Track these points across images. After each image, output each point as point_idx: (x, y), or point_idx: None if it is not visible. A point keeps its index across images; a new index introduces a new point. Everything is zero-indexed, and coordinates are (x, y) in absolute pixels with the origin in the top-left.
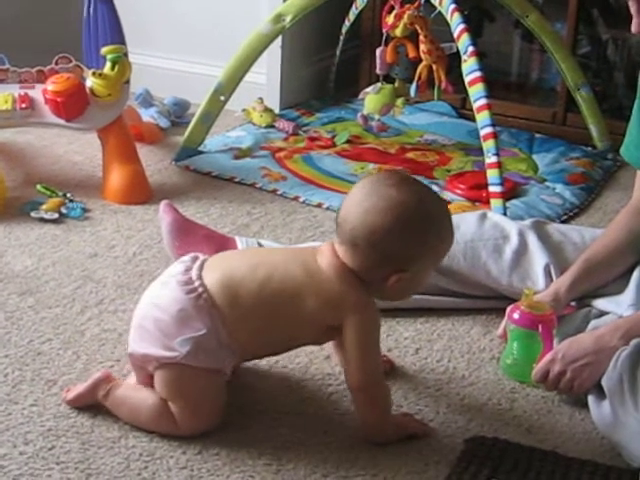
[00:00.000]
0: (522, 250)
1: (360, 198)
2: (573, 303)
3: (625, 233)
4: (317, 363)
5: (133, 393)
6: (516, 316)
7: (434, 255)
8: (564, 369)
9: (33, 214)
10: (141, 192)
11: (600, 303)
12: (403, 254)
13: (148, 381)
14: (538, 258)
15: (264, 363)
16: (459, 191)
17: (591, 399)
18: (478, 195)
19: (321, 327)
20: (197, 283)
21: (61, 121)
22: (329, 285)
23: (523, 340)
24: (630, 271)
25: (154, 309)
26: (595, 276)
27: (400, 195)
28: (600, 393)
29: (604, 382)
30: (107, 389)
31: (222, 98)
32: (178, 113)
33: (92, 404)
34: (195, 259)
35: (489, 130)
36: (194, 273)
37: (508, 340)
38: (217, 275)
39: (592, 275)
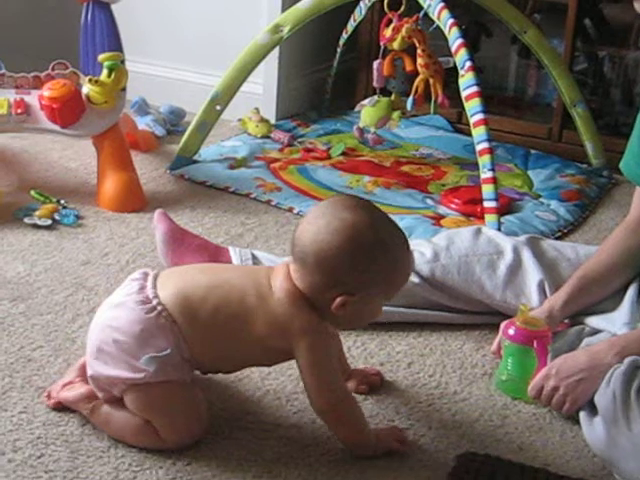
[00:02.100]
0: (516, 266)
1: (315, 217)
2: (566, 320)
3: (620, 250)
4: None
5: (115, 412)
6: (511, 332)
7: (385, 284)
8: (558, 385)
9: (26, 220)
10: (135, 200)
11: (594, 321)
12: (350, 277)
13: (112, 401)
14: (532, 274)
15: (256, 375)
16: (454, 205)
17: (583, 416)
18: (473, 210)
19: (270, 349)
20: (155, 302)
21: (56, 127)
22: (277, 308)
23: (518, 356)
24: (624, 289)
25: (113, 331)
26: (590, 293)
27: (354, 217)
28: (592, 410)
29: (597, 399)
30: (91, 407)
31: (218, 108)
32: (174, 122)
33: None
34: (146, 275)
35: (485, 145)
36: (150, 291)
37: (503, 356)
38: (172, 292)
39: (587, 292)
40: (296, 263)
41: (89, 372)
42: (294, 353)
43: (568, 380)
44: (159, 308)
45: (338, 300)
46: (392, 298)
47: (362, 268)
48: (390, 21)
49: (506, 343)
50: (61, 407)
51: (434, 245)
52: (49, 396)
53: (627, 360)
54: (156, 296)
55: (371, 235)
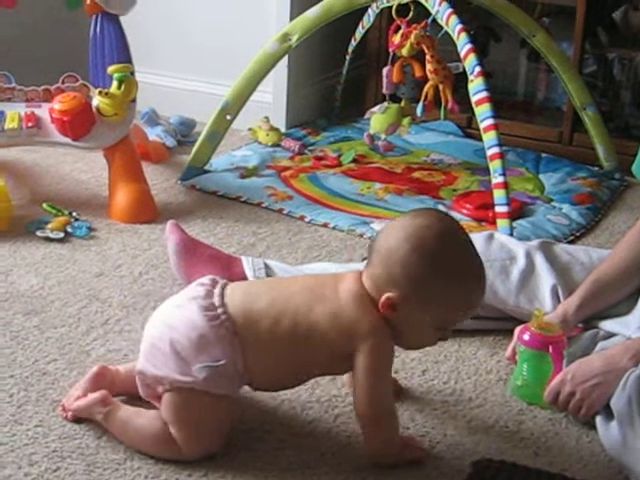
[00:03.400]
0: (529, 271)
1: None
2: (580, 324)
3: (633, 253)
4: (323, 385)
5: (134, 418)
6: (526, 337)
7: (438, 305)
8: (574, 390)
9: (39, 233)
10: (147, 211)
11: (608, 324)
12: (403, 277)
13: (153, 399)
14: (545, 279)
15: None
16: (465, 211)
17: (599, 421)
18: (484, 215)
19: (337, 356)
20: (220, 310)
21: (67, 140)
22: (344, 311)
23: (533, 361)
24: (638, 292)
25: (171, 331)
26: (603, 297)
27: (427, 223)
28: (608, 415)
29: (613, 404)
30: (105, 412)
31: (228, 117)
32: (184, 132)
33: (96, 424)
34: (215, 283)
35: (496, 150)
36: (217, 299)
37: (518, 361)
38: (239, 304)
39: (600, 296)
40: (367, 261)
41: (138, 367)
42: (356, 355)
43: (584, 385)
44: (223, 317)
45: (385, 296)
46: (447, 333)
47: (416, 273)
48: (399, 27)
49: (521, 349)
50: (77, 420)
51: None
52: (64, 409)
53: None
54: (222, 305)
55: (436, 245)
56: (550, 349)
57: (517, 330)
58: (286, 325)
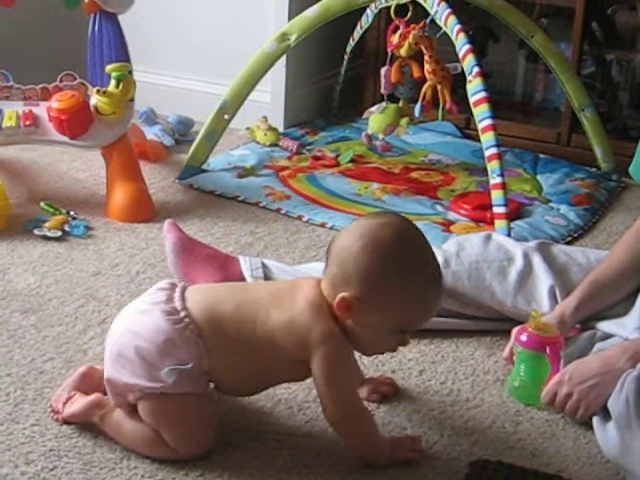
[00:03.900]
0: (527, 272)
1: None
2: (578, 325)
3: (631, 254)
4: None
5: (126, 421)
6: (523, 338)
7: (395, 308)
8: (571, 391)
9: (36, 231)
10: (145, 210)
11: (605, 325)
12: (356, 277)
13: (125, 407)
14: (543, 280)
15: None
16: (463, 211)
17: (596, 422)
18: (482, 216)
19: (295, 363)
20: (183, 314)
21: (65, 138)
22: (299, 317)
23: (531, 362)
24: (635, 293)
25: (135, 338)
26: (601, 298)
27: (382, 223)
28: (606, 416)
29: (610, 405)
30: (101, 414)
31: (226, 116)
32: (182, 131)
33: (92, 423)
34: (174, 286)
35: (494, 151)
36: (178, 303)
37: (515, 362)
38: (202, 306)
39: (598, 297)
40: (325, 264)
41: (106, 375)
42: (311, 363)
43: (581, 386)
44: (187, 320)
45: (339, 296)
46: (406, 338)
47: (370, 271)
48: (397, 28)
49: (518, 349)
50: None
51: (444, 252)
52: (55, 411)
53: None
54: (184, 308)
55: (392, 244)
56: (547, 350)
57: (514, 331)
58: (248, 330)
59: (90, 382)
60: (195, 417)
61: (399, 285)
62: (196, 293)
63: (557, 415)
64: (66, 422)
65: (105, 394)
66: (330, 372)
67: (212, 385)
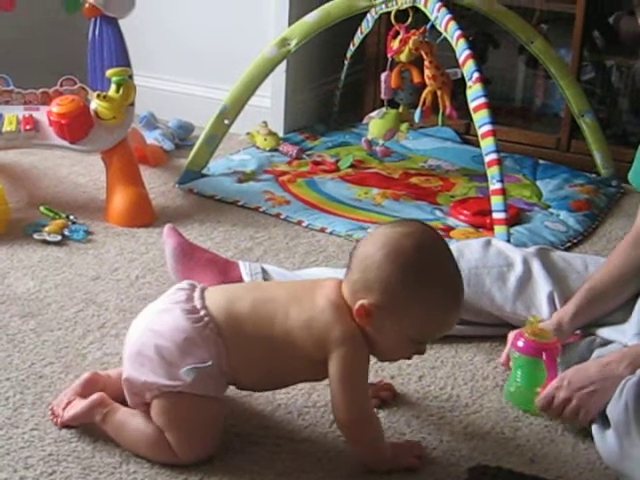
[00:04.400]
0: (526, 278)
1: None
2: (578, 331)
3: (628, 261)
4: (319, 390)
5: (129, 420)
6: (520, 344)
7: (412, 317)
8: (570, 396)
9: (36, 236)
10: (144, 215)
11: (604, 332)
12: (377, 283)
13: (141, 407)
14: (542, 286)
15: None
16: (463, 217)
17: (595, 428)
18: (482, 221)
19: (313, 363)
20: (203, 312)
21: (65, 143)
22: (319, 318)
23: (527, 368)
24: (634, 299)
25: (155, 336)
26: (598, 305)
27: (406, 232)
28: (604, 422)
29: (609, 411)
30: (104, 413)
31: (226, 121)
32: (182, 136)
33: (91, 427)
34: (194, 287)
35: (494, 156)
36: (197, 302)
37: (512, 368)
38: (220, 305)
39: (595, 304)
40: (347, 267)
41: (124, 375)
42: (329, 363)
43: (580, 392)
44: (206, 319)
45: (359, 303)
46: (423, 347)
47: (391, 280)
48: (397, 33)
49: (515, 355)
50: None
51: None
52: (54, 414)
53: (639, 371)
54: (204, 307)
55: (413, 254)
56: (544, 356)
57: (511, 335)
58: (266, 329)
59: (93, 388)
60: (206, 421)
61: (418, 296)
62: (215, 293)
63: (556, 421)
64: (65, 426)
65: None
66: (347, 373)
67: (231, 387)
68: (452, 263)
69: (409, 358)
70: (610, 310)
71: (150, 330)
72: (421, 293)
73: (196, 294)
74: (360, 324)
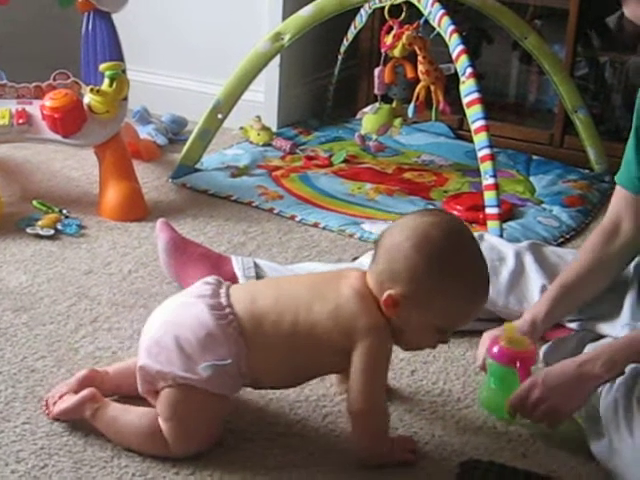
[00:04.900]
0: (519, 272)
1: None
2: (573, 325)
3: (598, 256)
4: (312, 384)
5: (122, 415)
6: (495, 351)
7: (439, 307)
8: (544, 395)
9: (29, 230)
10: (137, 209)
11: (596, 326)
12: (405, 274)
13: (150, 395)
14: (535, 279)
15: None
16: (456, 212)
17: (586, 425)
18: (475, 216)
19: (338, 353)
20: (228, 310)
21: (58, 137)
22: (345, 308)
23: (501, 376)
24: (623, 293)
25: (176, 328)
26: (570, 301)
27: (433, 222)
28: (595, 419)
29: (600, 407)
30: (94, 408)
31: (220, 116)
32: (175, 130)
33: (83, 421)
34: (220, 283)
35: (487, 152)
36: (224, 299)
37: (487, 373)
38: (244, 304)
39: (568, 300)
40: (372, 257)
41: (139, 363)
42: (353, 352)
43: (555, 391)
44: (231, 317)
45: (387, 293)
46: (447, 336)
47: (418, 270)
48: (391, 28)
49: (489, 361)
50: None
51: None
52: (47, 406)
53: (629, 368)
54: (229, 305)
55: (440, 243)
56: (517, 364)
57: (485, 336)
58: (288, 323)
59: (91, 384)
60: (210, 418)
61: (445, 285)
62: (239, 290)
63: (526, 428)
64: (57, 419)
65: (103, 395)
66: (370, 364)
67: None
68: (478, 253)
69: (434, 347)
70: (583, 304)
71: (171, 322)
72: (448, 283)
73: (222, 290)
74: (387, 314)
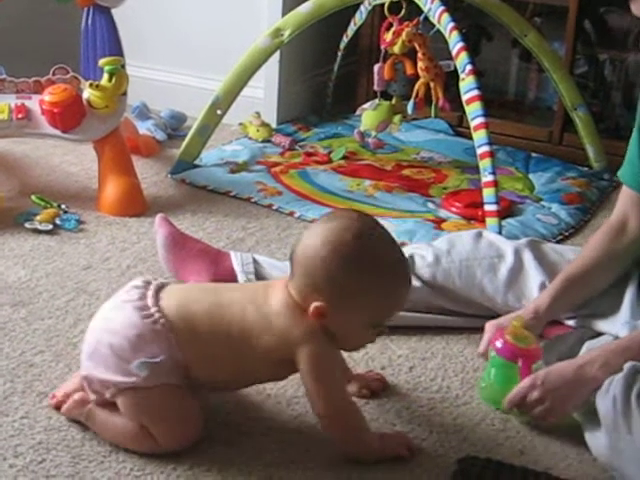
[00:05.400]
0: (518, 268)
1: (312, 227)
2: (571, 322)
3: (603, 252)
4: None
5: (109, 418)
6: (499, 344)
7: (365, 306)
8: (544, 396)
9: (27, 225)
10: (136, 205)
11: (595, 324)
12: (325, 283)
13: (104, 404)
14: (534, 276)
15: None
16: (455, 209)
17: (584, 422)
18: (474, 213)
19: (278, 363)
20: (154, 309)
21: (57, 132)
22: (277, 320)
23: (501, 369)
24: (623, 290)
25: (109, 334)
26: (574, 294)
27: (342, 226)
28: (593, 416)
29: (597, 405)
30: (85, 413)
31: (219, 112)
32: (174, 126)
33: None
34: (148, 284)
35: (486, 149)
36: (150, 300)
37: (488, 364)
38: (174, 304)
39: (571, 294)
40: (290, 272)
41: (83, 372)
42: (297, 362)
43: (554, 393)
44: (157, 315)
45: (312, 306)
46: (383, 328)
47: (338, 277)
48: (390, 25)
49: (492, 353)
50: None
51: (435, 249)
52: (54, 395)
53: (627, 365)
54: (156, 304)
55: (355, 246)
56: (520, 362)
57: (489, 326)
58: (222, 331)
59: None
60: (176, 408)
61: (369, 284)
62: (171, 293)
63: (521, 419)
64: (57, 407)
65: None
66: (316, 369)
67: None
68: (392, 241)
69: (372, 342)
70: (586, 299)
71: (103, 329)
72: (370, 280)
73: (150, 292)
74: (317, 324)
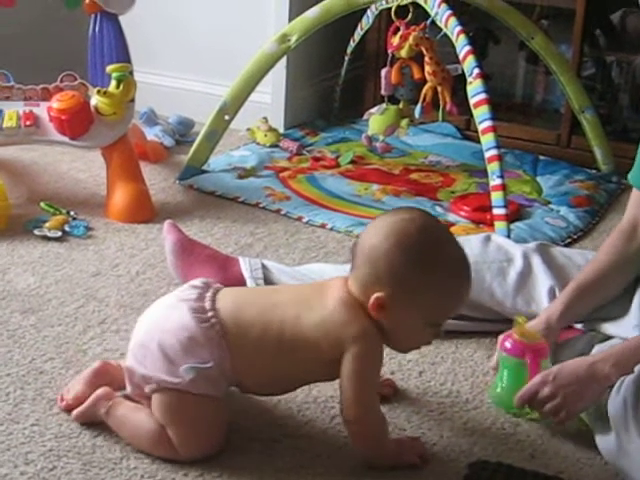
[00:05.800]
0: (526, 272)
1: (375, 221)
2: (580, 326)
3: (616, 257)
4: (320, 385)
5: (132, 415)
6: (507, 344)
7: (425, 302)
8: (555, 392)
9: (36, 232)
10: (145, 211)
11: (605, 327)
12: (388, 275)
13: (141, 399)
14: (543, 280)
15: None
16: (463, 213)
17: (595, 424)
18: (482, 217)
19: (326, 363)
20: (210, 313)
21: (65, 139)
22: (332, 316)
23: (512, 369)
24: (632, 293)
25: (160, 332)
26: (587, 301)
27: (407, 218)
28: (604, 418)
29: (608, 407)
30: (108, 406)
31: (227, 117)
32: (182, 132)
33: (92, 423)
34: (207, 286)
35: (494, 152)
36: (208, 302)
37: (499, 368)
38: (229, 310)
39: (584, 301)
40: (351, 264)
41: (126, 363)
42: (342, 360)
43: (566, 390)
44: (213, 320)
45: (373, 297)
46: (440, 330)
47: (400, 269)
48: (397, 29)
49: (502, 355)
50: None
51: None
52: (62, 398)
53: (638, 367)
54: (213, 309)
55: (419, 238)
56: (528, 358)
57: (501, 338)
58: (273, 334)
59: (104, 377)
60: (207, 420)
61: (430, 279)
62: (227, 295)
63: (537, 421)
64: (68, 409)
65: (115, 389)
66: (360, 370)
67: (233, 388)
68: (455, 242)
69: (428, 343)
70: (598, 305)
71: (155, 325)
72: (432, 276)
73: (208, 294)
74: (376, 318)
